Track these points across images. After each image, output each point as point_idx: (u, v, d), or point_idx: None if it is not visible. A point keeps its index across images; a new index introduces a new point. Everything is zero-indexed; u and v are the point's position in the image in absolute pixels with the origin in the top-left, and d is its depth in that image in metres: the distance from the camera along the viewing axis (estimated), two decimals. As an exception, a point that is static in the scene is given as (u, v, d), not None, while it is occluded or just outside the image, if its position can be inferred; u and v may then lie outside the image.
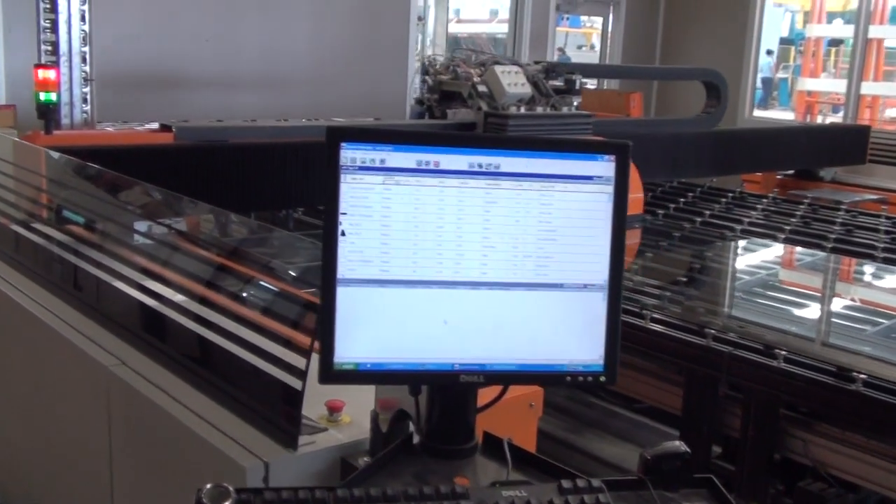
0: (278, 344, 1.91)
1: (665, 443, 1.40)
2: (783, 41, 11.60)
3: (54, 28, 3.87)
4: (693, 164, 5.59)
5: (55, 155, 2.99)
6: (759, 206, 5.21)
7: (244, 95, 7.57)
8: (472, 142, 1.32)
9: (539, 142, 1.33)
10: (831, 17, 10.89)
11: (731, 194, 5.54)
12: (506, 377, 1.37)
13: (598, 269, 1.35)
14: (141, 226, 2.56)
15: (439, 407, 1.43)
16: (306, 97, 7.89)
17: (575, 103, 4.93)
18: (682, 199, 5.25)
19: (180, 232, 2.46)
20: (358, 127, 1.22)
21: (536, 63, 4.94)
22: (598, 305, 1.36)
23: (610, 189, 1.35)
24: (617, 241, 1.35)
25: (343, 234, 1.30)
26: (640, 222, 4.59)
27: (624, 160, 1.35)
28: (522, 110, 4.67)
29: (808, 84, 10.69)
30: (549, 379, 1.42)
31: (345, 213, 1.30)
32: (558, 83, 4.91)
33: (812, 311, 3.63)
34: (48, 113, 3.43)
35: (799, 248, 4.29)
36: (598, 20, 10.71)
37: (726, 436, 2.87)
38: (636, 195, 4.53)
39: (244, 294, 2.07)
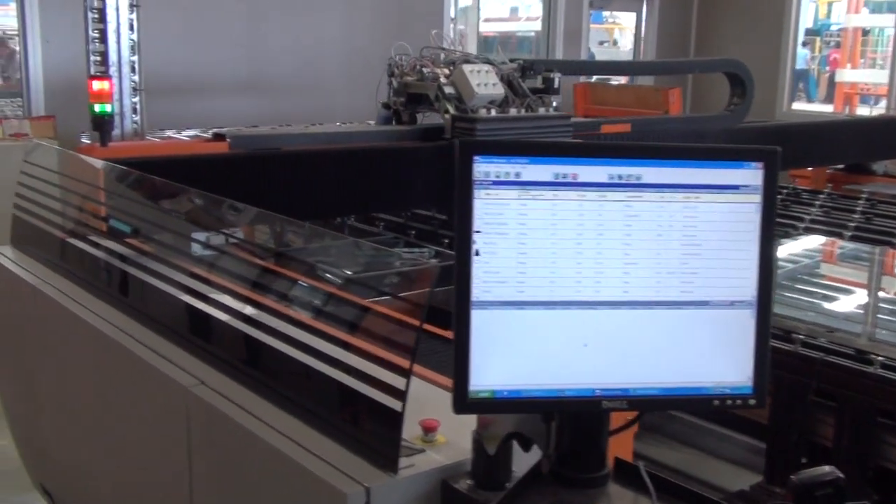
0: (374, 363, 1.83)
1: (815, 468, 1.30)
2: (808, 32, 11.43)
3: (103, 38, 3.81)
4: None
5: (117, 168, 2.93)
6: (815, 202, 5.08)
7: (275, 101, 7.52)
8: (612, 151, 1.23)
9: (683, 150, 1.24)
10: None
11: (785, 190, 5.41)
12: (650, 402, 1.28)
13: (746, 284, 1.26)
14: (214, 240, 2.48)
15: (571, 433, 1.35)
16: (338, 102, 7.83)
17: (554, 103, 4.42)
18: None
19: (253, 244, 2.39)
20: (492, 140, 1.14)
21: (512, 61, 4.46)
22: (746, 323, 1.27)
23: (758, 198, 1.26)
24: (765, 253, 1.26)
25: (477, 253, 1.22)
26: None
27: (773, 167, 1.26)
28: (493, 113, 4.14)
29: (846, 75, 10.51)
30: (695, 403, 1.33)
31: (479, 232, 1.22)
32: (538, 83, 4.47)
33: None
34: (104, 125, 3.37)
35: (865, 246, 4.17)
36: (620, 15, 10.61)
37: (815, 444, 2.76)
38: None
39: (330, 309, 1.99)
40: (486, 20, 10.41)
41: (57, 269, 3.02)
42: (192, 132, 4.98)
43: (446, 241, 3.83)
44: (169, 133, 4.77)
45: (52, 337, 2.88)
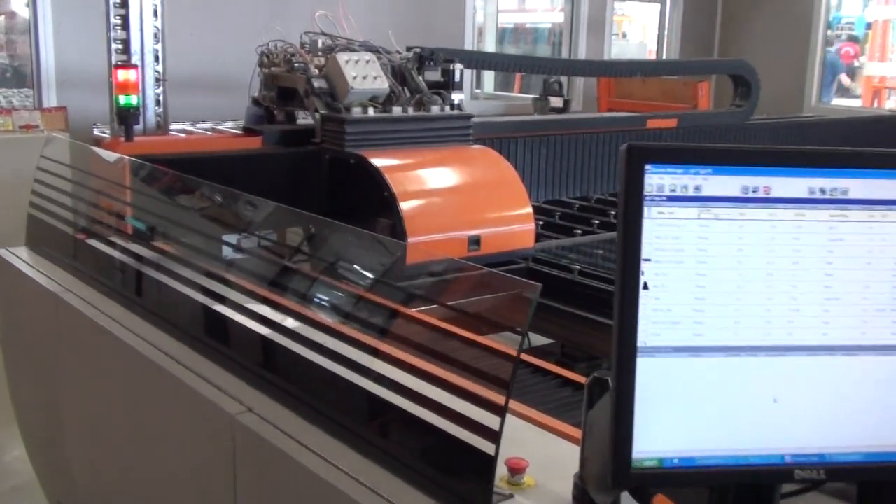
0: (461, 397, 1.59)
1: None
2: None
3: (125, 25, 3.56)
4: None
5: (146, 166, 2.68)
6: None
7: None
8: (813, 159, 0.98)
9: (900, 157, 0.99)
10: None
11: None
12: (852, 471, 1.03)
13: (973, 325, 1.01)
14: (262, 248, 2.24)
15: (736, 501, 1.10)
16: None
17: (456, 100, 3.68)
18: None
19: (312, 255, 2.14)
20: (666, 145, 0.88)
21: (409, 49, 3.79)
22: (971, 373, 1.02)
23: None
24: None
25: (646, 287, 0.97)
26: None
27: None
28: (371, 111, 3.41)
29: (874, 69, 10.25)
30: (908, 473, 1.08)
31: (648, 260, 0.97)
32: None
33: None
34: (129, 118, 3.11)
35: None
36: (627, 7, 10.33)
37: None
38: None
39: (407, 333, 1.75)
40: (501, 11, 10.16)
41: (79, 275, 2.78)
42: (206, 125, 4.75)
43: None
44: (184, 125, 4.54)
45: (76, 351, 2.64)
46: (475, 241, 3.26)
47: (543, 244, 3.68)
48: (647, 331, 0.97)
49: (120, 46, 3.56)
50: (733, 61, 5.55)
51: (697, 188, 0.97)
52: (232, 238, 2.44)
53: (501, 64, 5.51)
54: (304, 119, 3.65)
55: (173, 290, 2.38)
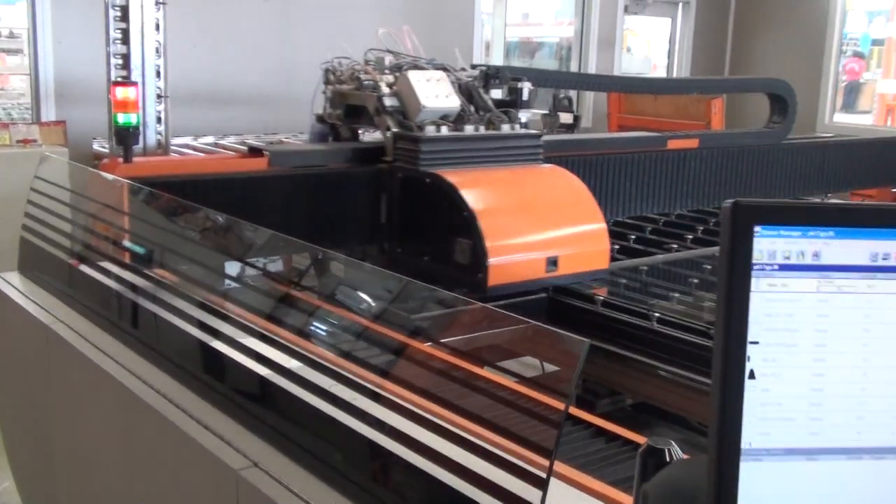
0: (494, 463, 1.41)
1: None
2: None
3: (126, 39, 3.40)
4: (808, 178, 5.04)
5: (145, 190, 2.51)
6: None
7: (298, 113, 7.10)
8: (956, 219, 0.80)
9: None
10: (871, 14, 10.26)
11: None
12: None
13: None
14: (272, 283, 2.06)
15: None
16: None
17: (523, 119, 3.63)
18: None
19: (325, 293, 1.97)
20: (781, 203, 0.70)
21: (473, 67, 3.74)
22: None
23: None
24: None
25: (752, 375, 0.79)
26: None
27: None
28: (444, 130, 3.33)
29: (887, 87, 10.08)
30: None
31: (756, 343, 0.79)
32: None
33: None
34: (128, 137, 2.93)
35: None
36: (632, 21, 10.16)
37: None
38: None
39: (430, 386, 1.57)
40: (527, 24, 10.02)
41: (72, 305, 2.61)
42: (209, 139, 4.59)
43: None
44: (185, 139, 4.38)
45: (68, 387, 2.47)
46: (553, 262, 3.19)
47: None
48: (754, 429, 0.79)
49: (120, 61, 3.39)
50: (771, 80, 5.44)
51: (816, 255, 0.79)
52: (236, 268, 2.26)
53: (567, 82, 5.62)
54: (368, 136, 3.68)
55: (173, 326, 2.20)
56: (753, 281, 0.79)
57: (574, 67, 8.94)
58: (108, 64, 3.39)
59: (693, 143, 4.49)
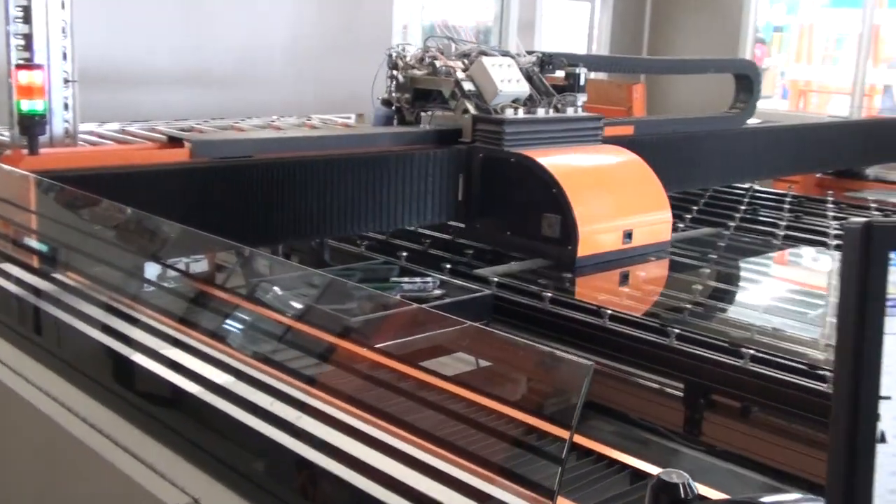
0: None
1: None
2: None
3: (27, 17, 3.09)
4: (743, 165, 4.98)
5: (54, 185, 2.24)
6: (826, 212, 4.65)
7: (216, 92, 6.80)
8: None
9: None
10: (772, 1, 10.43)
11: (786, 198, 4.97)
12: None
13: None
14: (211, 289, 1.84)
15: None
16: (282, 94, 7.15)
17: (579, 102, 3.88)
18: (741, 207, 4.66)
19: (268, 301, 1.75)
20: None
21: (529, 53, 3.96)
22: None
23: None
24: None
25: (883, 438, 0.63)
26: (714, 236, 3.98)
27: None
28: (521, 113, 3.63)
29: (797, 72, 10.26)
30: None
31: (888, 398, 0.63)
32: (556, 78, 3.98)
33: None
34: (33, 126, 2.65)
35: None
36: (559, 5, 10.10)
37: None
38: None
39: (407, 414, 1.38)
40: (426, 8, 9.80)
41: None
42: (115, 125, 4.28)
43: (447, 265, 3.24)
44: (89, 126, 4.06)
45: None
46: (628, 235, 3.48)
47: (505, 267, 3.36)
48: (886, 501, 0.63)
49: (21, 42, 3.08)
50: (739, 60, 5.46)
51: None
52: (163, 273, 2.04)
53: (616, 66, 5.92)
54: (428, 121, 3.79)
55: (92, 340, 1.96)
56: (887, 321, 0.62)
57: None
58: (8, 45, 3.08)
59: (628, 130, 4.38)
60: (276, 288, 1.93)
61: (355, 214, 3.22)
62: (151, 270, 2.09)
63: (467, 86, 3.62)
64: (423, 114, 3.78)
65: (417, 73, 3.78)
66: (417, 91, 3.79)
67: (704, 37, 9.36)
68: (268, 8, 6.96)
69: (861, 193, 5.42)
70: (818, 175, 5.86)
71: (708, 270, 3.41)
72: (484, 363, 1.53)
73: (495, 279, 3.11)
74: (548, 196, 3.34)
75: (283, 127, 4.42)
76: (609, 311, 2.79)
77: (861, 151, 5.67)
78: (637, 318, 2.79)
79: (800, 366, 2.45)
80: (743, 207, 4.64)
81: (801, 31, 10.17)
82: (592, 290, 3.22)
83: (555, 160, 3.47)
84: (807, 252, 4.00)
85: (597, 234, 3.38)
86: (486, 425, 1.31)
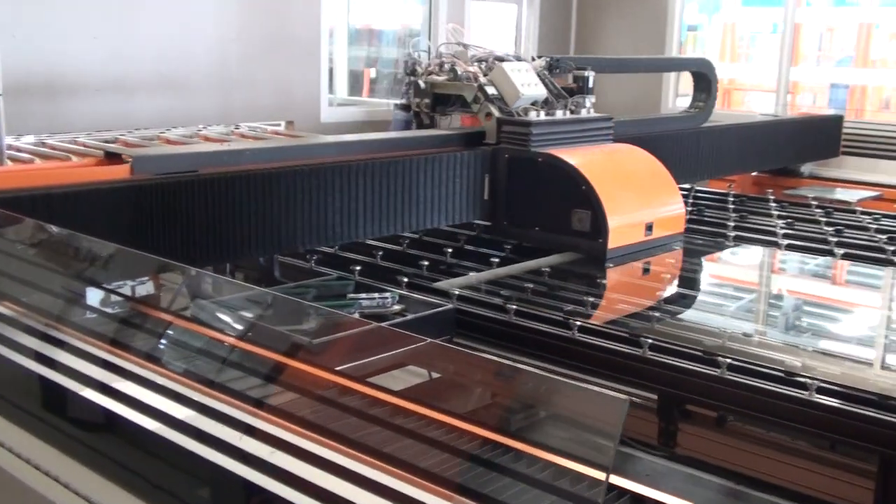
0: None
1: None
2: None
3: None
4: (696, 165, 4.96)
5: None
6: (771, 210, 4.65)
7: (139, 101, 6.53)
8: None
9: None
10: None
11: (730, 198, 4.98)
12: None
13: None
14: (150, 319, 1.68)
15: None
16: (211, 100, 6.91)
17: (588, 104, 4.14)
18: (686, 208, 4.62)
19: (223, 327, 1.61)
20: None
21: (538, 58, 4.24)
22: None
23: None
24: None
25: None
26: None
27: None
28: (542, 115, 3.89)
29: (721, 71, 10.37)
30: None
31: None
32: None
33: None
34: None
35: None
36: (486, 6, 10.06)
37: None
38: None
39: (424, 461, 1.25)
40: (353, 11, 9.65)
41: None
42: (30, 139, 4.06)
43: (404, 278, 3.11)
44: (7, 140, 3.82)
45: None
46: (649, 227, 3.73)
47: (464, 279, 3.25)
48: None
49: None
50: (696, 59, 5.50)
51: None
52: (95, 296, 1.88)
53: (620, 66, 5.91)
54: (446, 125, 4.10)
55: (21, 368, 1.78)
56: None
57: (423, 55, 8.69)
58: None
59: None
60: (218, 308, 1.80)
61: (372, 218, 3.34)
62: (83, 293, 1.93)
63: (490, 90, 3.86)
64: (440, 117, 4.06)
65: (438, 78, 4.01)
66: (437, 96, 4.03)
67: (632, 37, 9.39)
68: (191, 12, 6.72)
69: (799, 191, 5.46)
70: (754, 174, 5.90)
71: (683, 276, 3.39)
72: (502, 399, 1.41)
73: (456, 292, 2.99)
74: (577, 193, 3.57)
75: (213, 137, 4.25)
76: (578, 323, 2.71)
77: (798, 149, 5.72)
78: (608, 328, 2.71)
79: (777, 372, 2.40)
80: (689, 208, 4.62)
81: (723, 29, 10.30)
82: (561, 301, 3.13)
83: (581, 159, 3.70)
84: (755, 252, 3.98)
85: (624, 227, 3.60)
86: (506, 467, 1.20)
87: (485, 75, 3.92)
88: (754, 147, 5.27)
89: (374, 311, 2.84)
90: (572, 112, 4.04)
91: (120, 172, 2.68)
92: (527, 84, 3.88)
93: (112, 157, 2.79)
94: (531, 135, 3.73)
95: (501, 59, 3.99)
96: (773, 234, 4.10)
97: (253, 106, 7.08)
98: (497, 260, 3.48)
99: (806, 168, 5.93)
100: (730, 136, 5.06)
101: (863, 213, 4.70)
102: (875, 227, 4.30)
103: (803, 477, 2.44)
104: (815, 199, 5.08)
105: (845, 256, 3.75)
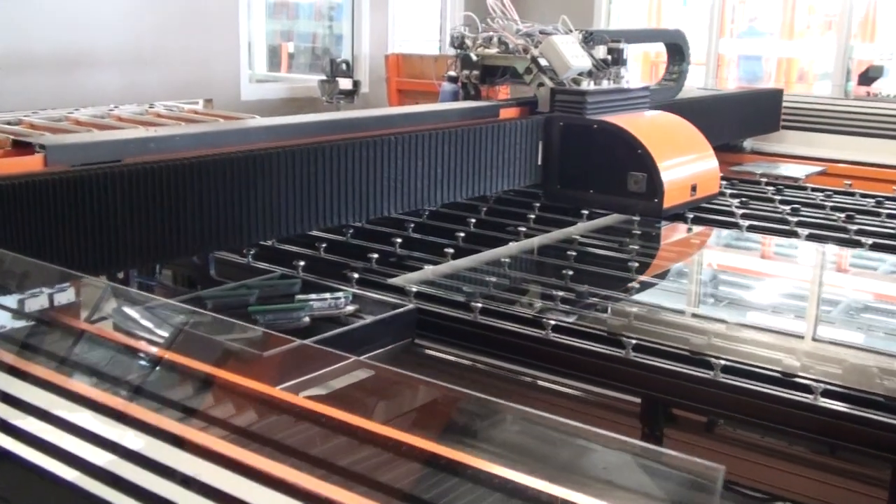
0: None
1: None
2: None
3: None
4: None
5: None
6: (722, 189, 4.50)
7: (41, 77, 6.05)
8: None
9: None
10: None
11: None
12: None
13: None
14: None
15: None
16: (122, 77, 6.47)
17: (625, 74, 4.35)
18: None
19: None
20: None
21: (574, 31, 4.40)
22: None
23: None
24: None
25: None
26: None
27: None
28: (592, 85, 4.15)
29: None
30: None
31: None
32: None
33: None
34: None
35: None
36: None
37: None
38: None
39: None
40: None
41: None
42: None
43: (354, 274, 2.83)
44: None
45: None
46: (693, 188, 4.01)
47: (420, 274, 2.99)
48: None
49: None
50: (670, 30, 5.34)
51: None
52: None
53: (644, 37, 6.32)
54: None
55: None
56: None
57: (347, 29, 8.37)
58: None
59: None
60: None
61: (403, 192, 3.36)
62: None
63: (543, 62, 4.08)
64: (481, 88, 4.35)
65: (489, 51, 4.24)
66: (486, 68, 4.28)
67: (558, 7, 9.19)
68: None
69: (744, 167, 5.33)
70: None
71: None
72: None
73: (414, 289, 2.73)
74: (633, 156, 3.83)
75: (128, 118, 3.89)
76: (552, 322, 2.47)
77: (742, 123, 5.59)
78: (586, 328, 2.48)
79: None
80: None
81: (649, 1, 10.19)
82: (523, 293, 2.89)
83: (634, 125, 3.94)
84: (724, 234, 3.81)
85: (675, 187, 3.87)
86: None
87: (535, 48, 4.13)
88: (701, 123, 5.09)
89: (327, 314, 2.57)
90: (614, 82, 4.28)
91: (31, 164, 2.33)
92: (575, 56, 4.09)
93: (21, 147, 2.43)
94: (586, 103, 3.97)
95: (546, 33, 4.20)
96: (731, 213, 3.94)
97: (167, 83, 6.66)
98: (452, 251, 3.21)
99: (747, 143, 5.81)
100: (680, 112, 4.88)
101: (813, 189, 4.59)
102: (830, 204, 4.17)
103: (803, 485, 2.27)
104: (762, 175, 4.96)
105: (810, 237, 3.60)
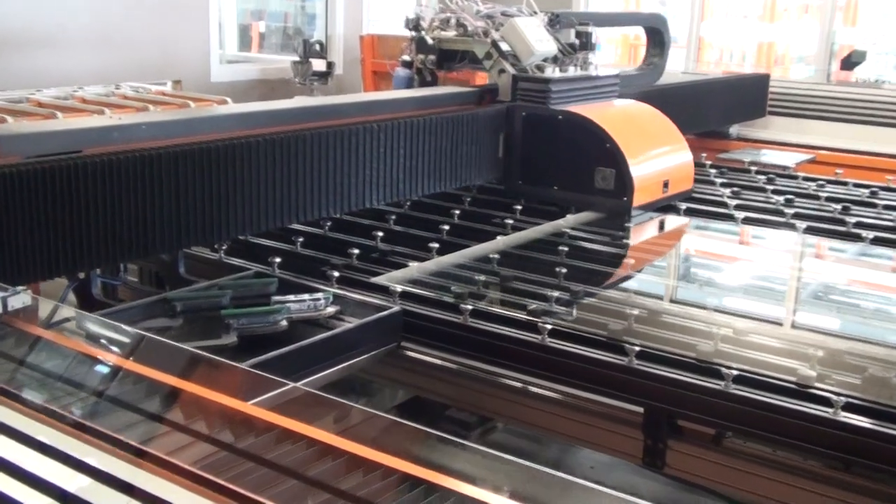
0: None
1: None
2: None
3: None
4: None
5: None
6: (713, 178, 4.35)
7: (3, 58, 5.79)
8: None
9: None
10: None
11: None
12: None
13: None
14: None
15: None
16: (87, 56, 6.21)
17: (593, 60, 3.98)
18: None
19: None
20: None
21: (541, 13, 4.06)
22: None
23: None
24: None
25: None
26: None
27: None
28: (557, 72, 3.77)
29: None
30: None
31: None
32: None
33: None
34: None
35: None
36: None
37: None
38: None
39: None
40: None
41: None
42: None
43: (335, 272, 2.65)
44: None
45: None
46: (665, 185, 3.71)
47: (405, 272, 2.81)
48: None
49: None
50: (649, 14, 5.18)
51: None
52: None
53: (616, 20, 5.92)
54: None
55: None
56: None
57: (320, 8, 8.14)
58: None
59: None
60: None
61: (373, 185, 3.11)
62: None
63: (504, 46, 3.71)
64: (438, 74, 3.95)
65: (446, 34, 3.86)
66: (443, 52, 3.89)
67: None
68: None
69: (731, 154, 5.19)
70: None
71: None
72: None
73: (399, 289, 2.55)
74: (601, 150, 3.52)
75: (92, 99, 3.68)
76: (549, 327, 2.31)
77: (728, 109, 5.46)
78: (586, 333, 2.32)
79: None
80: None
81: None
82: (513, 293, 2.73)
83: (601, 116, 3.63)
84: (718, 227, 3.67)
85: (646, 184, 3.57)
86: None
87: (496, 31, 3.77)
88: (685, 109, 4.94)
89: (306, 316, 2.39)
90: (581, 68, 3.92)
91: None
92: (539, 40, 3.73)
93: (-30, 135, 2.23)
94: (551, 92, 3.64)
95: (509, 15, 3.84)
96: (724, 205, 3.79)
97: (135, 63, 6.42)
98: (437, 245, 3.03)
99: (733, 130, 5.68)
100: (664, 98, 4.72)
101: (805, 178, 4.46)
102: (825, 195, 4.04)
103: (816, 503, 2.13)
104: (751, 163, 4.82)
105: (808, 230, 3.46)
